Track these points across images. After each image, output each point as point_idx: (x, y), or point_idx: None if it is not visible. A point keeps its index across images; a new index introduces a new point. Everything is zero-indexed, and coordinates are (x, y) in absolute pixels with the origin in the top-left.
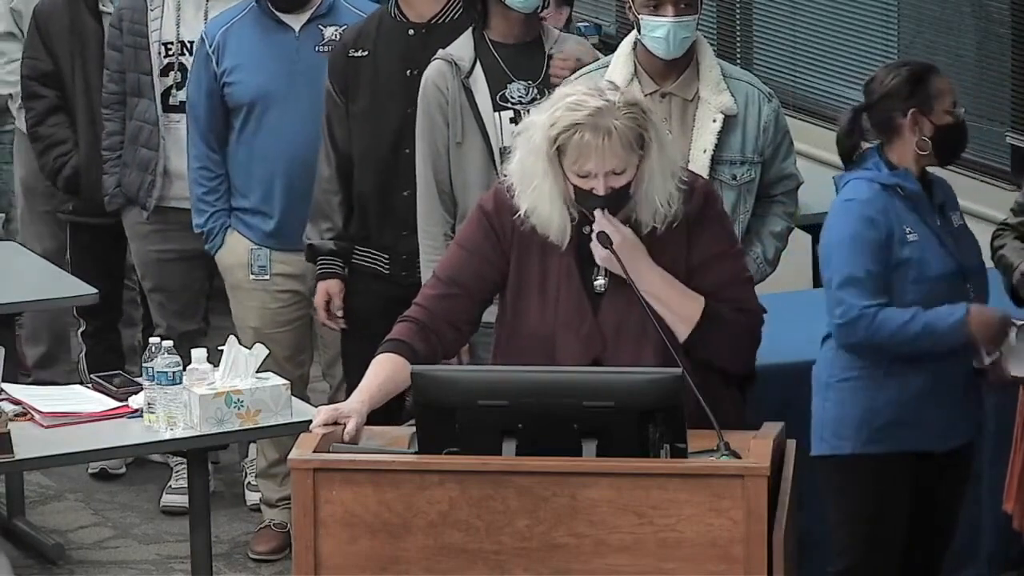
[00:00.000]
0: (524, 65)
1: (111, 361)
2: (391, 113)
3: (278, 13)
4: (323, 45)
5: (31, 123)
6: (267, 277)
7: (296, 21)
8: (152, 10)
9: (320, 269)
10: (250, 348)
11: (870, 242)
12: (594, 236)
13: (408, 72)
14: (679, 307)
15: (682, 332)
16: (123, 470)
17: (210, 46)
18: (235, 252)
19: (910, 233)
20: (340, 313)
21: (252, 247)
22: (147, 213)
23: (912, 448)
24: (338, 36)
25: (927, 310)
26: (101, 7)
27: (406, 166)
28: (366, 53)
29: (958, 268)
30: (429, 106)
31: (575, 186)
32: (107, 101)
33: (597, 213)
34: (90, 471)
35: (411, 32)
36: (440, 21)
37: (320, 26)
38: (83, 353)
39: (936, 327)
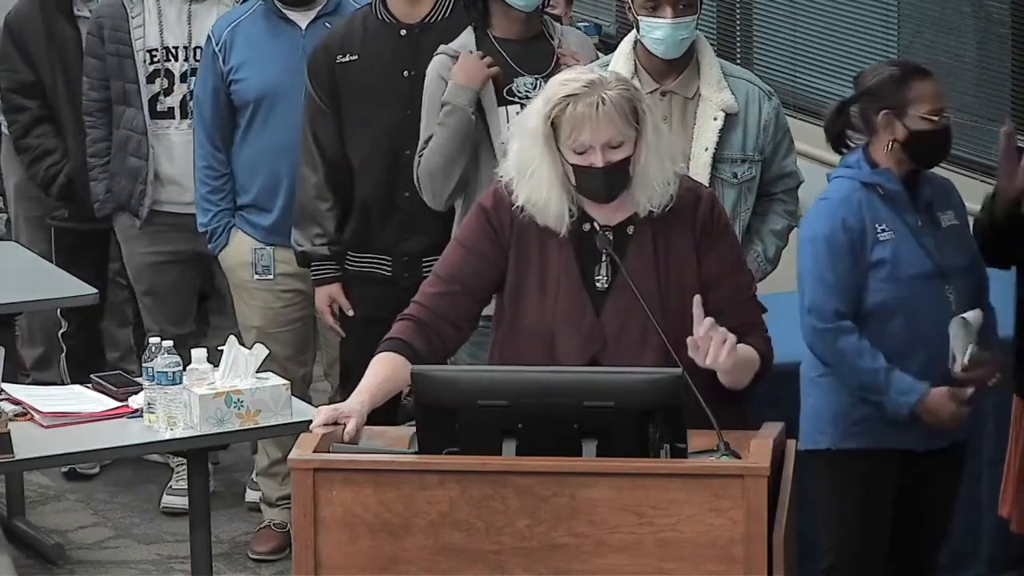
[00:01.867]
0: (530, 59)
1: (93, 362)
2: (388, 116)
3: (285, 10)
4: None
5: (16, 135)
6: (271, 277)
7: (303, 18)
8: (134, 18)
9: (316, 275)
10: (253, 347)
11: (840, 244)
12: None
13: (404, 73)
14: (751, 364)
15: (743, 385)
16: (96, 470)
17: (217, 44)
18: (239, 252)
19: (883, 232)
20: (351, 312)
21: (256, 247)
22: (139, 221)
23: (890, 445)
24: None
25: (892, 369)
26: (76, 11)
27: (407, 168)
28: (355, 57)
29: (936, 269)
30: (432, 100)
31: (574, 166)
32: (89, 108)
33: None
34: (62, 470)
35: (403, 32)
36: (433, 20)
37: (327, 24)
38: (63, 354)
39: (888, 394)
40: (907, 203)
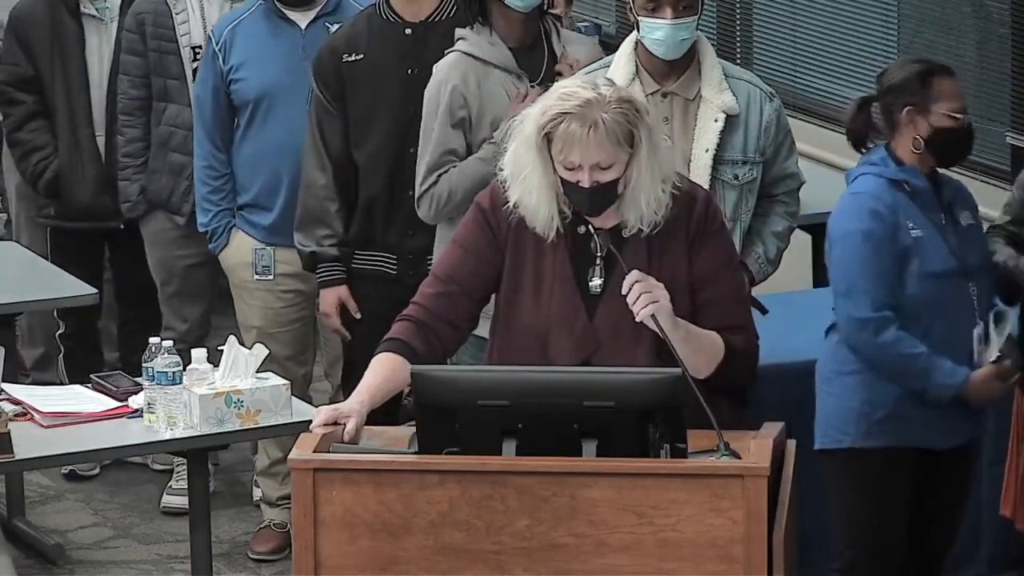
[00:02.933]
0: (524, 65)
1: (91, 362)
2: (393, 114)
3: (285, 10)
4: None
5: (9, 129)
6: (271, 277)
7: (303, 18)
8: (178, 14)
9: (324, 277)
10: (253, 347)
11: (877, 237)
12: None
13: (409, 71)
14: (709, 347)
15: (704, 372)
16: (96, 471)
17: (216, 44)
18: (239, 252)
19: (913, 229)
20: (358, 315)
21: (256, 247)
22: (183, 218)
23: (913, 444)
24: None
25: (935, 355)
26: (82, 8)
27: (411, 166)
28: (360, 56)
29: (960, 267)
30: (432, 103)
31: (562, 179)
32: (128, 107)
33: (633, 275)
34: (63, 471)
35: (408, 31)
36: (437, 19)
37: (327, 24)
38: (61, 355)
39: (932, 378)
40: (933, 201)
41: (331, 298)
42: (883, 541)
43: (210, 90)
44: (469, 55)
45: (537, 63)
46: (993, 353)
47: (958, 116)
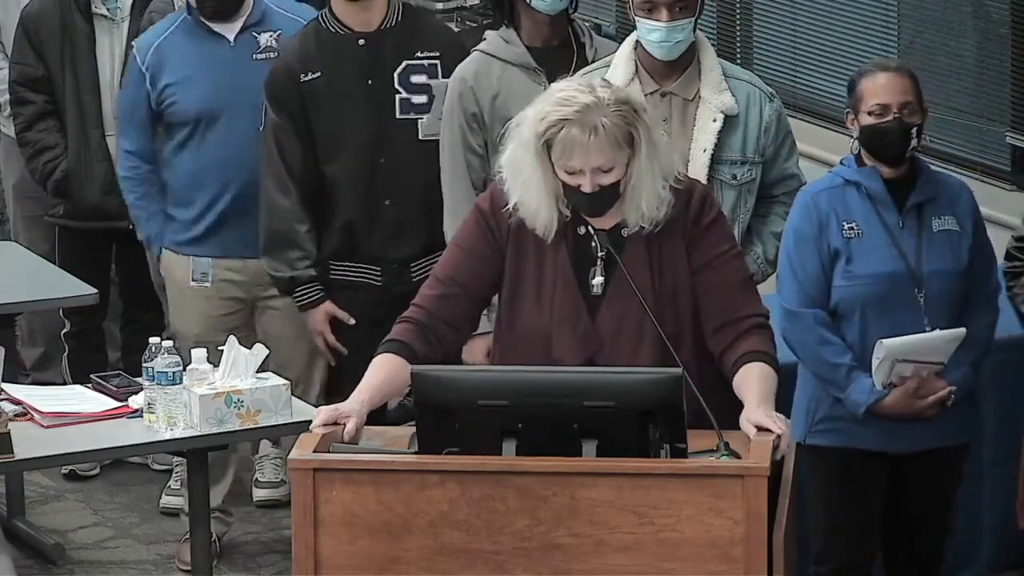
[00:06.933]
0: (553, 66)
1: (95, 362)
2: (359, 128)
3: (210, 24)
4: (259, 53)
5: (20, 128)
6: (208, 284)
7: (230, 31)
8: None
9: (305, 299)
10: (254, 347)
11: (804, 235)
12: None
13: (368, 82)
14: (774, 386)
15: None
16: (96, 471)
17: (143, 63)
18: (180, 260)
19: (850, 228)
20: (352, 321)
21: (194, 255)
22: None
23: (860, 446)
24: (273, 42)
25: (857, 369)
26: (94, 8)
27: (384, 175)
28: (318, 75)
29: (907, 271)
30: (452, 114)
31: (564, 183)
32: None
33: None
34: (63, 471)
35: (361, 42)
36: (388, 26)
37: (254, 33)
38: (66, 354)
39: (847, 391)
40: (888, 202)
41: (319, 316)
42: (839, 538)
43: (133, 104)
44: (486, 53)
45: (564, 63)
46: (878, 384)
47: (878, 112)
